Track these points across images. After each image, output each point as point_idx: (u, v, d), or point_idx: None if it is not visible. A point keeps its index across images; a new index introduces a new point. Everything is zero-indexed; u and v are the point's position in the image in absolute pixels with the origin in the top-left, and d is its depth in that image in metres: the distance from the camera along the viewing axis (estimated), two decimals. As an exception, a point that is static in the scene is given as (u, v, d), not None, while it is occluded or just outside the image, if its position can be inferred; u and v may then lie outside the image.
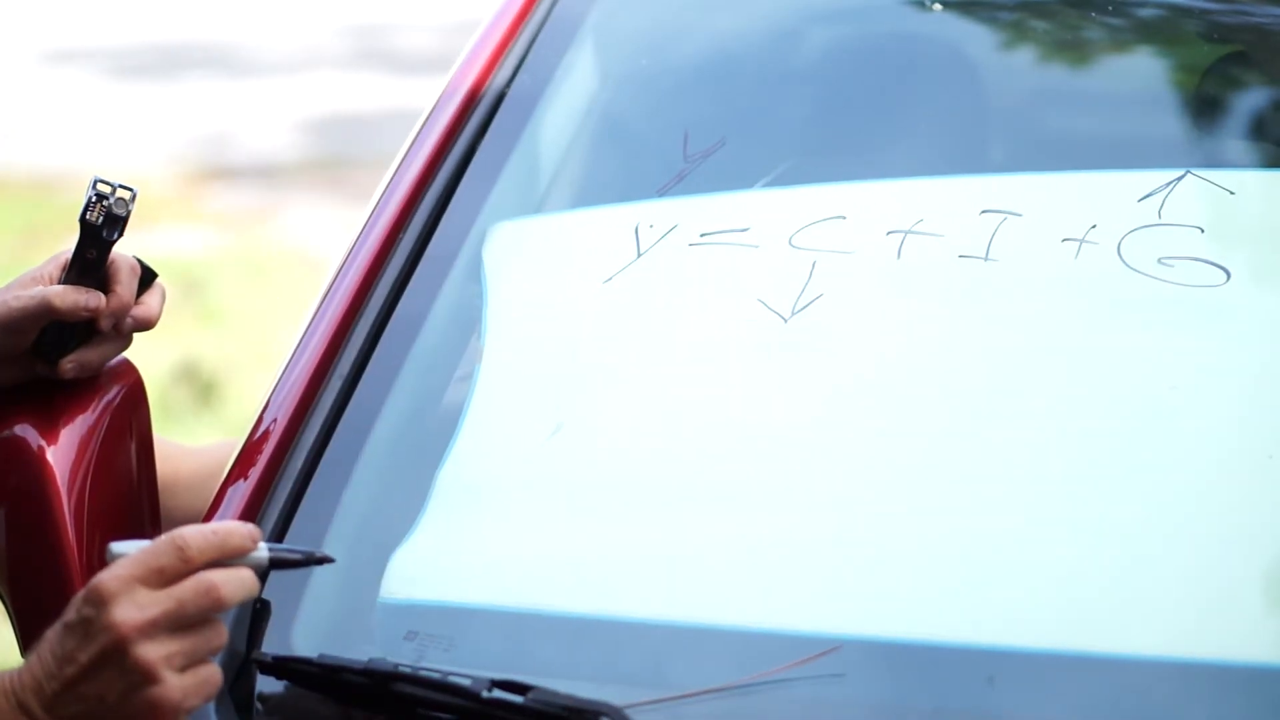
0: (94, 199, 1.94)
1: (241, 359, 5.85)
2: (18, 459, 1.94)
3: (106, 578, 1.61)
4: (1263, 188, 2.11)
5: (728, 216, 2.09)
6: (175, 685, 1.61)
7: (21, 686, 1.61)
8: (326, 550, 1.81)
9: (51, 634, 1.63)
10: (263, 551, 1.67)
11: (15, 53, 9.09)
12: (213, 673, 1.63)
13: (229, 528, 1.64)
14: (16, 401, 1.97)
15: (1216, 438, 1.81)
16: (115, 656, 1.59)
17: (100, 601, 1.60)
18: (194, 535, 1.62)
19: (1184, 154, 2.23)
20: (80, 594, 1.62)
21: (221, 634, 1.64)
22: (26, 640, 1.98)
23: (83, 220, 1.95)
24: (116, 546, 1.64)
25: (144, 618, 1.60)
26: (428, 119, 2.30)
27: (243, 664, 1.78)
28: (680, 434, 1.88)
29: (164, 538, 1.62)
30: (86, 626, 1.60)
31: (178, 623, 1.61)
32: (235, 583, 1.62)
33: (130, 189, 1.97)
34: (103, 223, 1.95)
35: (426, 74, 7.43)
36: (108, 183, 1.96)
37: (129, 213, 1.96)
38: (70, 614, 1.62)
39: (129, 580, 1.61)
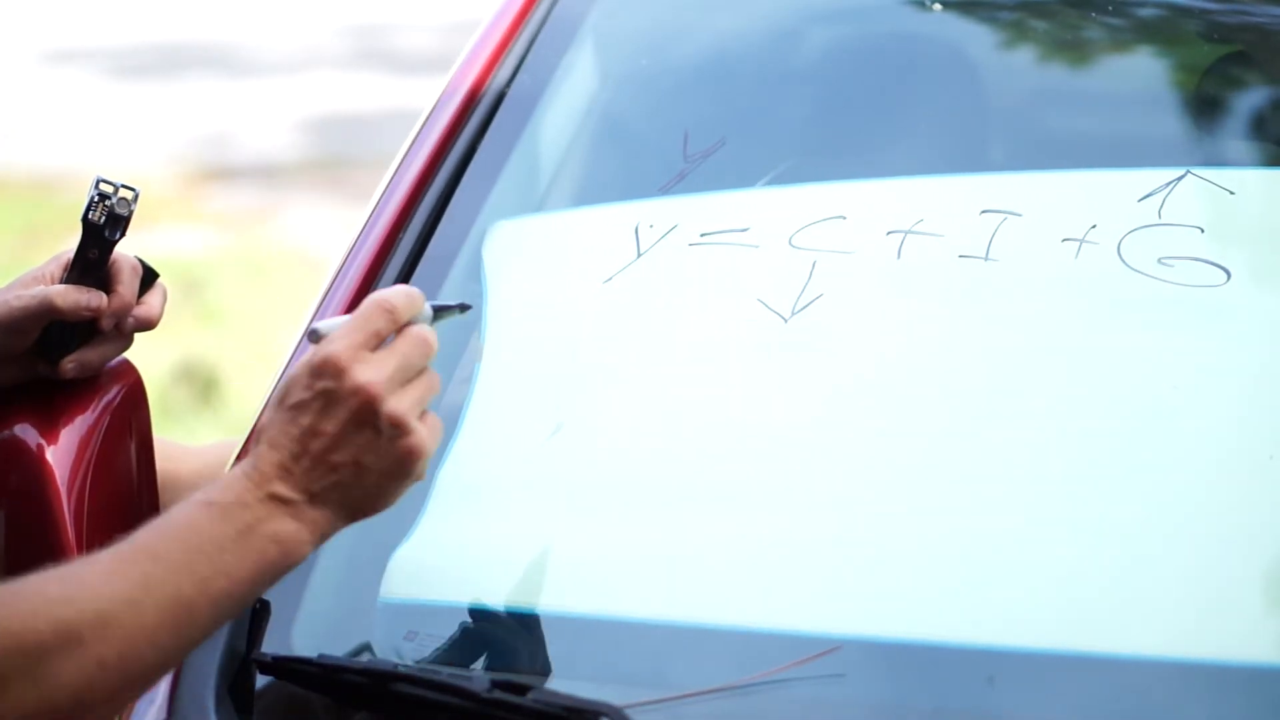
0: (96, 199, 1.95)
1: (241, 359, 5.85)
2: (18, 459, 1.95)
3: (333, 350, 1.67)
4: (1263, 187, 2.11)
5: (728, 216, 2.09)
6: (423, 432, 1.68)
7: (262, 478, 1.64)
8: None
9: (273, 423, 1.66)
10: (428, 309, 1.74)
11: (15, 53, 9.09)
12: (438, 418, 1.70)
13: (414, 289, 1.72)
14: (16, 401, 1.97)
15: (1217, 438, 1.81)
16: (368, 416, 1.66)
17: (337, 371, 1.66)
18: (395, 295, 1.70)
19: (1184, 154, 2.23)
20: (302, 372, 1.67)
21: (437, 379, 1.71)
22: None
23: (85, 220, 1.95)
24: (322, 325, 1.70)
25: (383, 376, 1.67)
26: (428, 119, 2.30)
27: (243, 664, 1.78)
28: (680, 434, 1.88)
29: (369, 303, 1.69)
30: (328, 397, 1.65)
31: (406, 376, 1.68)
32: (433, 334, 1.71)
33: (133, 189, 1.97)
34: (105, 222, 1.95)
35: (426, 74, 7.43)
36: (110, 182, 1.96)
37: (131, 213, 1.96)
38: (297, 394, 1.66)
39: (355, 347, 1.67)
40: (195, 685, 1.76)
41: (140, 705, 1.77)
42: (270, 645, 1.80)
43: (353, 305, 2.08)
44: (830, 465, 1.86)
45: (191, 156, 7.88)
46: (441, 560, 1.85)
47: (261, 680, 1.77)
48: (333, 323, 1.71)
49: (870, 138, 2.30)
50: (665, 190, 2.19)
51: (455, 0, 9.14)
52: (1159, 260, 1.95)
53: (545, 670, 1.73)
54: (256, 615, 1.82)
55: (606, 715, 1.64)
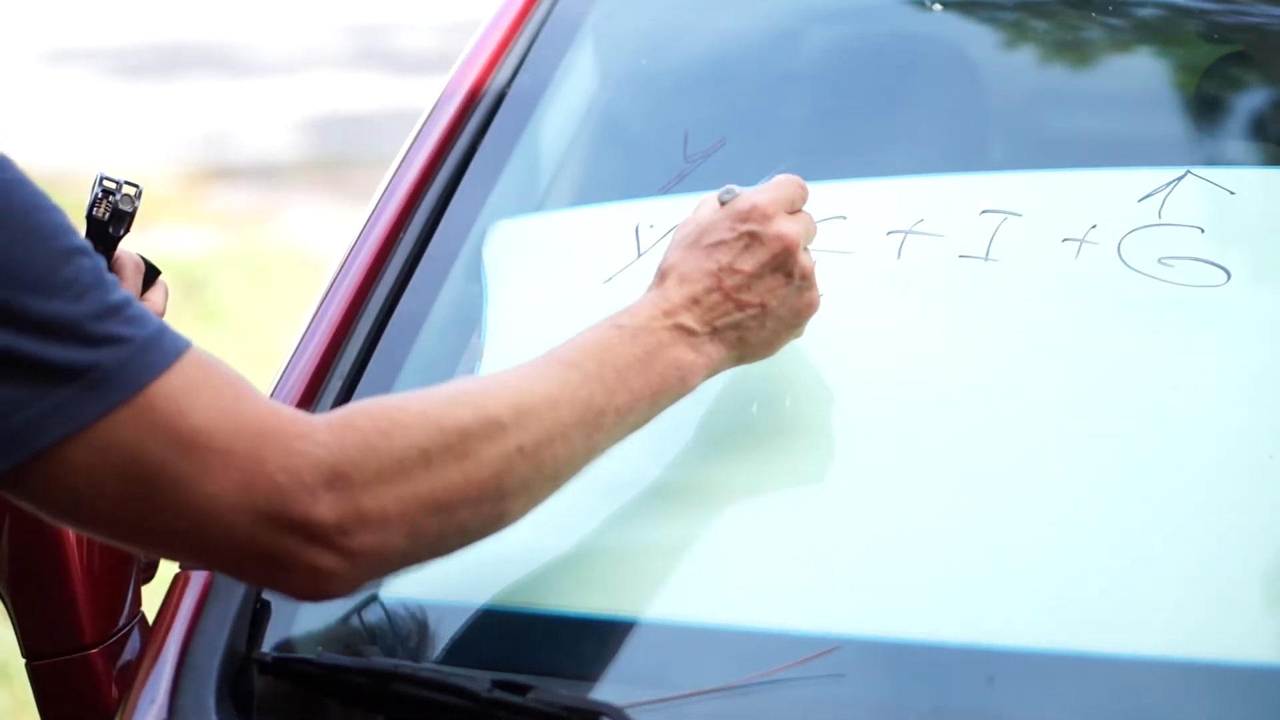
0: (100, 195, 1.94)
1: (241, 359, 5.84)
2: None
3: (760, 199, 1.82)
4: (1263, 187, 2.11)
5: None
6: (819, 291, 1.85)
7: (672, 308, 1.77)
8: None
9: (686, 260, 1.80)
10: None
11: (15, 52, 9.09)
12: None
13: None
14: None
15: (1217, 438, 1.81)
16: (785, 263, 1.81)
17: (763, 217, 1.81)
18: (799, 179, 1.86)
19: (1184, 154, 2.23)
20: (723, 216, 1.81)
21: (812, 263, 1.85)
22: (27, 640, 1.98)
23: (89, 216, 1.94)
24: (734, 188, 1.84)
25: (799, 230, 1.83)
26: (428, 119, 2.30)
27: (243, 664, 1.78)
28: (679, 434, 1.88)
29: (787, 176, 1.85)
30: (752, 239, 1.80)
31: (805, 245, 1.84)
32: None
33: (136, 185, 1.96)
34: (109, 219, 1.94)
35: (426, 74, 7.43)
36: (113, 179, 1.96)
37: (135, 209, 1.95)
38: (718, 235, 1.80)
39: (777, 203, 1.82)
40: (195, 685, 1.76)
41: (140, 705, 1.77)
42: (270, 645, 1.80)
43: (353, 305, 2.08)
44: (829, 465, 1.86)
45: (191, 156, 7.88)
46: (442, 560, 1.84)
47: (261, 680, 1.77)
48: (739, 188, 1.84)
49: (870, 137, 2.30)
50: (665, 190, 2.19)
51: (455, 0, 9.14)
52: (1159, 260, 1.95)
53: (545, 670, 1.73)
54: (257, 615, 1.82)
55: (606, 715, 1.64)
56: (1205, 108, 2.31)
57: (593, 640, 1.77)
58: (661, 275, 1.80)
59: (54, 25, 9.45)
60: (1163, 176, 2.03)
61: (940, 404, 1.88)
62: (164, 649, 1.79)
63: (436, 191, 2.21)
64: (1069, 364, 1.90)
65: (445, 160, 2.24)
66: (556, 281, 2.09)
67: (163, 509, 1.53)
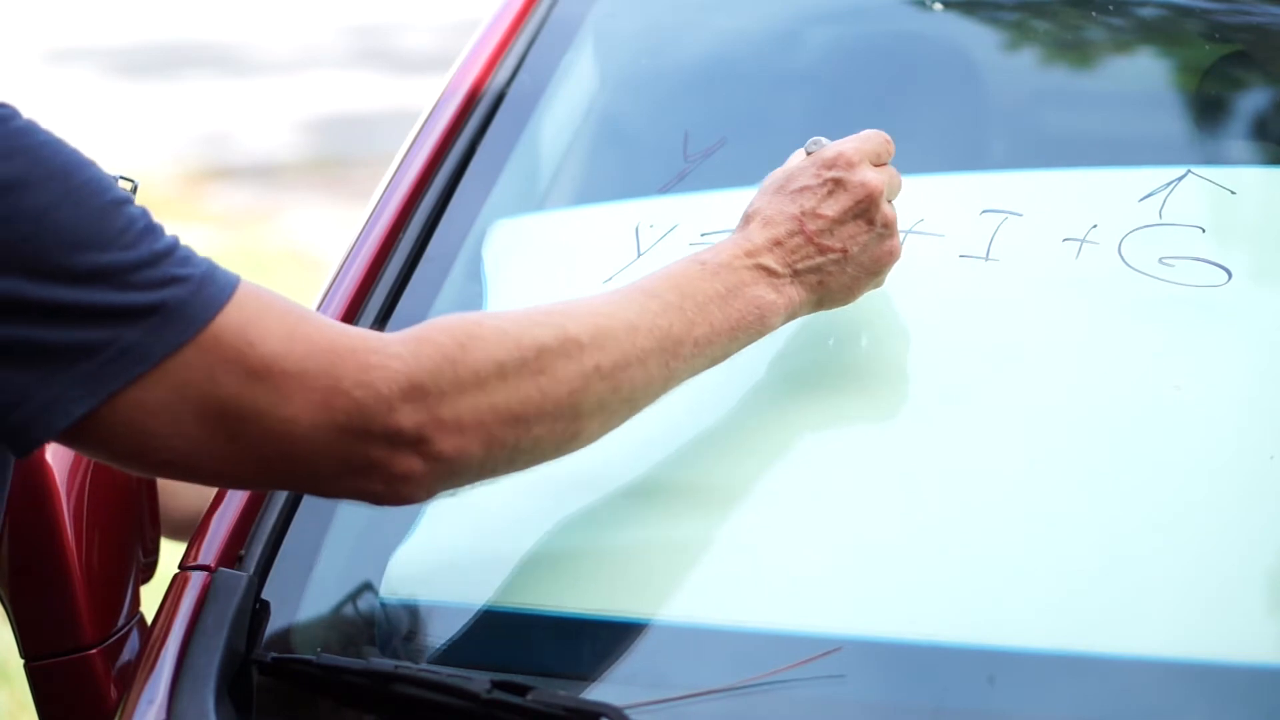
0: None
1: (241, 359, 5.83)
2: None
3: (847, 148, 1.85)
4: (1264, 187, 2.11)
5: (728, 216, 2.09)
6: (900, 240, 1.88)
7: (754, 249, 1.80)
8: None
9: (771, 204, 1.83)
10: None
11: (16, 52, 9.09)
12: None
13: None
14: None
15: (1217, 438, 1.81)
16: (868, 209, 1.83)
17: (849, 164, 1.84)
18: (886, 134, 1.89)
19: (1185, 153, 2.23)
20: (809, 163, 1.85)
21: (896, 217, 1.88)
22: (26, 640, 1.98)
23: None
24: (821, 139, 1.87)
25: (883, 179, 1.86)
26: (428, 119, 2.30)
27: (243, 664, 1.78)
28: (679, 434, 1.88)
29: (873, 131, 1.88)
30: (837, 185, 1.83)
31: (889, 197, 1.87)
32: None
33: (131, 180, 1.96)
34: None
35: (426, 74, 7.43)
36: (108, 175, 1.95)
37: None
38: (803, 180, 1.84)
39: (864, 153, 1.86)
40: (195, 685, 1.76)
41: (139, 705, 1.76)
42: (270, 645, 1.80)
43: (353, 305, 2.08)
44: (829, 466, 1.86)
45: (191, 156, 7.88)
46: (441, 560, 1.84)
47: (261, 681, 1.77)
48: (825, 139, 1.88)
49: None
50: (665, 190, 2.19)
51: (455, 0, 9.14)
52: (1160, 260, 1.95)
53: (545, 670, 1.73)
54: (257, 615, 1.82)
55: (606, 715, 1.64)
56: (1206, 107, 2.30)
57: (593, 640, 1.77)
58: (746, 219, 1.83)
59: (55, 25, 9.45)
60: (1163, 176, 2.03)
61: (940, 404, 1.88)
62: (163, 649, 1.79)
63: (436, 191, 2.20)
64: (1070, 364, 1.89)
65: (445, 160, 2.24)
66: (556, 281, 2.09)
67: (243, 438, 1.57)
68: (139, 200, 1.96)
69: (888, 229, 1.85)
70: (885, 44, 2.44)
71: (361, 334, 1.61)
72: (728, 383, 1.90)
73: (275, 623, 1.82)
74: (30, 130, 1.57)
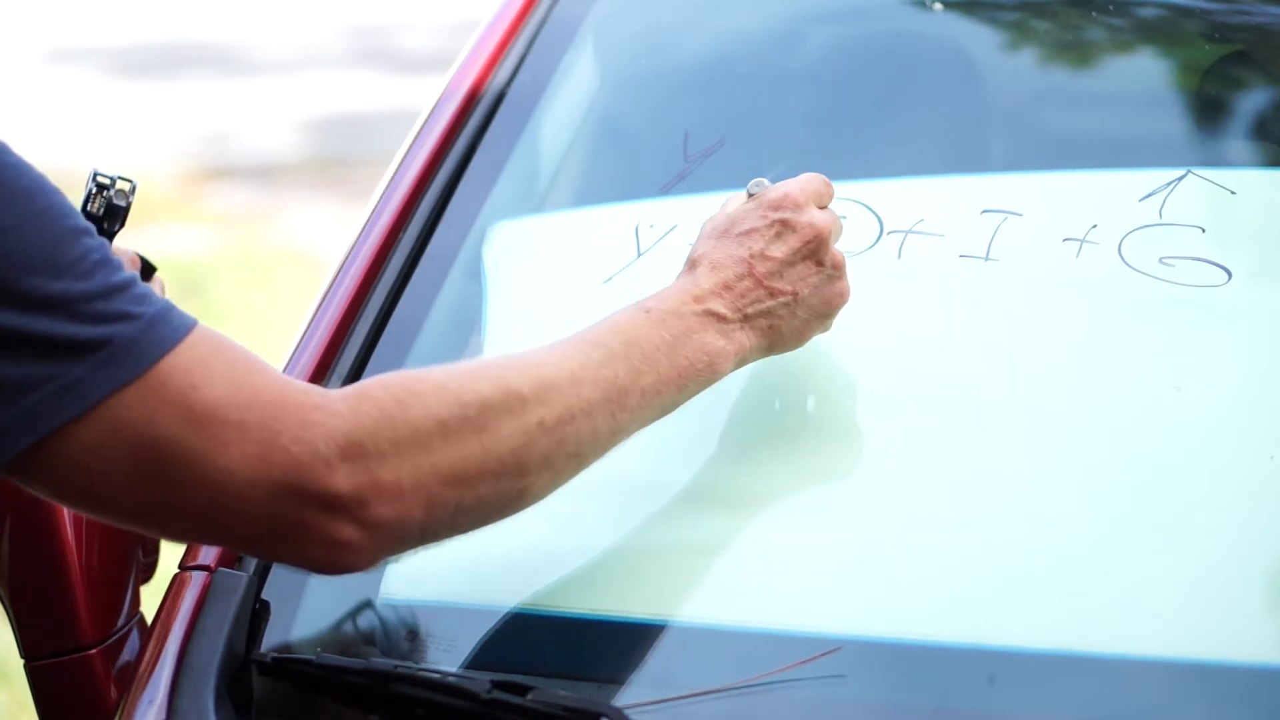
0: (94, 191, 1.94)
1: (241, 359, 5.83)
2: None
3: (792, 189, 1.83)
4: (1264, 187, 2.11)
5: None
6: (849, 282, 1.85)
7: (702, 294, 1.76)
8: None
9: (718, 248, 1.80)
10: None
11: (16, 52, 9.09)
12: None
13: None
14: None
15: (1217, 438, 1.81)
16: (817, 250, 1.81)
17: (796, 205, 1.82)
18: (823, 176, 1.87)
19: (1185, 153, 2.23)
20: (754, 205, 1.82)
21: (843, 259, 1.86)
22: (26, 641, 1.98)
23: (83, 212, 1.94)
24: (763, 180, 1.86)
25: (830, 220, 1.83)
26: (428, 119, 2.30)
27: (243, 664, 1.78)
28: (679, 434, 1.87)
29: (812, 175, 1.87)
30: (785, 225, 1.81)
31: (835, 239, 1.85)
32: None
33: (130, 180, 1.96)
34: (103, 215, 1.94)
35: (426, 74, 7.43)
36: (107, 175, 1.95)
37: (129, 204, 1.95)
38: (750, 223, 1.81)
39: (807, 194, 1.83)
40: (195, 685, 1.76)
41: (139, 706, 1.76)
42: (270, 645, 1.80)
43: (353, 305, 2.08)
44: (829, 465, 1.86)
45: (191, 156, 7.88)
46: (441, 560, 1.84)
47: (261, 681, 1.77)
48: (765, 181, 1.86)
49: (870, 137, 2.30)
50: (665, 190, 2.19)
51: (455, 0, 9.14)
52: (1160, 260, 1.95)
53: (545, 670, 1.73)
54: (257, 615, 1.82)
55: (606, 715, 1.64)
56: (1206, 108, 2.30)
57: (593, 640, 1.77)
58: (691, 264, 1.80)
59: (55, 24, 9.45)
60: (1163, 176, 2.03)
61: (940, 404, 1.88)
62: (163, 649, 1.79)
63: (436, 191, 2.20)
64: (1070, 364, 1.89)
65: (445, 160, 2.24)
66: (556, 282, 2.09)
67: (177, 485, 1.53)
68: (139, 200, 1.97)
69: (837, 270, 1.83)
70: (885, 44, 2.44)
71: (306, 389, 1.57)
72: (726, 383, 1.89)
73: (275, 623, 1.82)
74: None
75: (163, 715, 1.74)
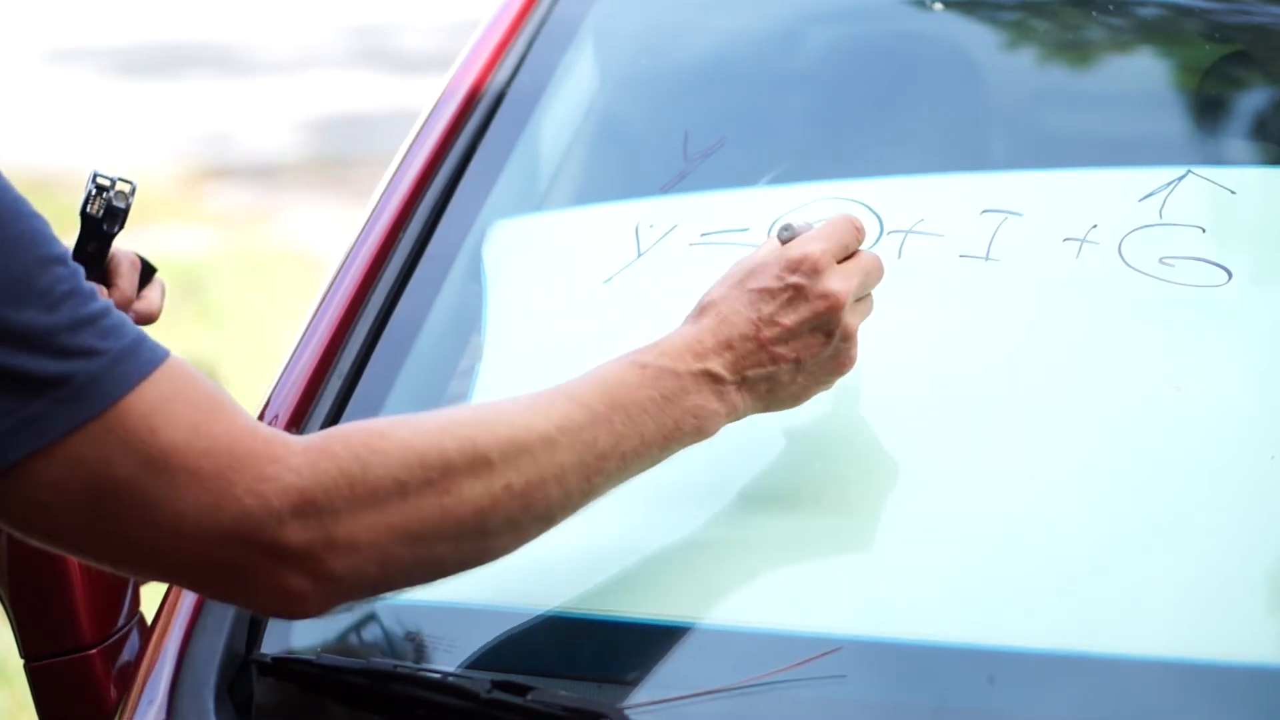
0: (94, 192, 1.94)
1: (241, 359, 5.85)
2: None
3: (813, 250, 1.75)
4: (1264, 187, 2.11)
5: (728, 216, 2.09)
6: (858, 351, 1.79)
7: (703, 350, 1.70)
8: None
9: (728, 299, 1.73)
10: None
11: (16, 52, 9.09)
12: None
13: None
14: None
15: (1218, 438, 1.81)
16: (827, 322, 1.75)
17: (813, 271, 1.74)
18: (856, 217, 1.80)
19: (1185, 153, 2.23)
20: (774, 261, 1.75)
21: (872, 306, 1.82)
22: (26, 641, 1.98)
23: (83, 214, 1.94)
24: (796, 223, 1.78)
25: (849, 288, 1.76)
26: (428, 119, 2.30)
27: (243, 664, 1.78)
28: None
29: (842, 217, 1.80)
30: (798, 292, 1.74)
31: (861, 295, 1.80)
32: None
33: (130, 182, 1.96)
34: (103, 216, 1.94)
35: (426, 74, 7.43)
36: (107, 176, 1.95)
37: (129, 206, 1.95)
38: (765, 281, 1.74)
39: (831, 254, 1.76)
40: (195, 685, 1.76)
41: (139, 706, 1.76)
42: (270, 645, 1.80)
43: (352, 305, 2.08)
44: (829, 465, 1.86)
45: (191, 156, 7.88)
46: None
47: (261, 681, 1.77)
48: (804, 224, 1.79)
49: (871, 137, 2.30)
50: (665, 190, 2.19)
51: (455, 0, 9.14)
52: (1160, 260, 1.95)
53: (545, 670, 1.73)
54: (256, 616, 1.82)
55: (606, 715, 1.64)
56: (1206, 107, 2.30)
57: (593, 640, 1.77)
58: (700, 310, 1.74)
59: (55, 25, 9.45)
60: (1164, 176, 2.03)
61: (940, 404, 1.88)
62: (163, 650, 1.79)
63: (436, 191, 2.20)
64: (1070, 364, 1.89)
65: (445, 160, 2.24)
66: (556, 281, 2.09)
67: (129, 526, 1.51)
68: (139, 200, 1.97)
69: (846, 341, 1.77)
70: (885, 44, 2.44)
71: (269, 439, 1.54)
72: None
73: (275, 623, 1.82)
74: None
75: (163, 715, 1.74)
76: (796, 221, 1.79)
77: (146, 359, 1.51)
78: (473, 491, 1.57)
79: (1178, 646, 1.68)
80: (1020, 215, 2.03)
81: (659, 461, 1.69)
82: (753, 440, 1.87)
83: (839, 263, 1.77)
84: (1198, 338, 1.89)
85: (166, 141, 8.01)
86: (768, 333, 1.72)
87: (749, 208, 2.10)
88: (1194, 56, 2.39)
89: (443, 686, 1.68)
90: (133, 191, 1.96)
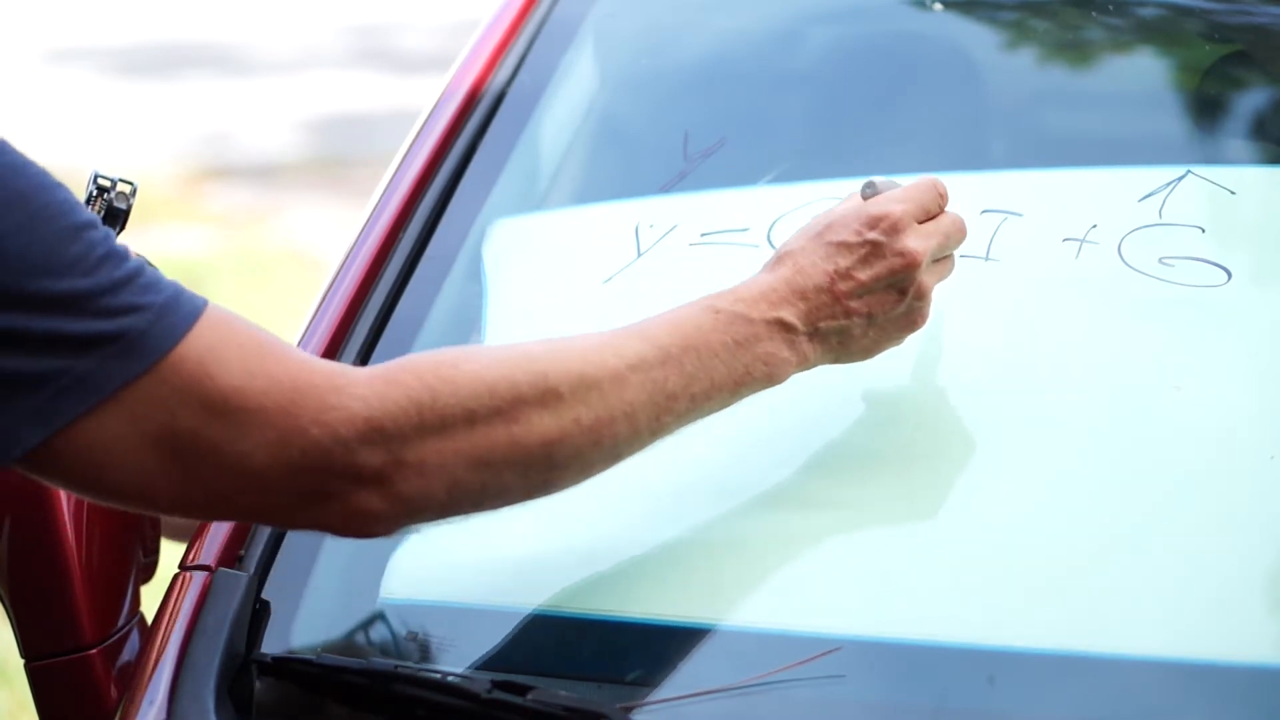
0: (94, 193, 1.93)
1: (241, 359, 5.83)
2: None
3: (894, 209, 1.77)
4: (1264, 187, 2.10)
5: (728, 216, 2.09)
6: (930, 309, 1.81)
7: (778, 299, 1.72)
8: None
9: (806, 251, 1.75)
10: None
11: (16, 51, 9.09)
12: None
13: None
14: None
15: (1217, 438, 1.81)
16: (902, 279, 1.77)
17: (892, 229, 1.76)
18: (940, 181, 1.82)
19: (1185, 153, 2.23)
20: (854, 216, 1.77)
21: (952, 267, 1.84)
22: (26, 640, 1.98)
23: None
24: (879, 181, 1.81)
25: (927, 247, 1.78)
26: (428, 119, 2.30)
27: (243, 664, 1.78)
28: (680, 434, 1.87)
29: (926, 180, 1.82)
30: (875, 249, 1.75)
31: (940, 255, 1.81)
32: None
33: (130, 182, 1.95)
34: (103, 217, 1.94)
35: (426, 74, 7.42)
36: (107, 177, 1.95)
37: (130, 206, 1.95)
38: (843, 235, 1.76)
39: (911, 214, 1.78)
40: (195, 685, 1.76)
41: (139, 706, 1.76)
42: (270, 645, 1.80)
43: (352, 305, 2.08)
44: (829, 465, 1.86)
45: (191, 156, 7.88)
46: (441, 560, 1.84)
47: (261, 681, 1.77)
48: (887, 181, 1.81)
49: (871, 137, 2.30)
50: (665, 190, 2.19)
51: (455, 0, 9.14)
52: (1160, 260, 1.95)
53: (545, 670, 1.73)
54: (257, 615, 1.82)
55: (606, 715, 1.64)
56: (1206, 107, 2.30)
57: (593, 640, 1.77)
58: (778, 259, 1.77)
59: (55, 24, 9.45)
60: (1163, 176, 2.03)
61: (940, 404, 1.88)
62: (163, 649, 1.79)
63: (436, 191, 2.20)
64: (1070, 364, 1.89)
65: (445, 160, 2.24)
66: (556, 281, 2.09)
67: (198, 471, 1.53)
68: (139, 201, 1.96)
69: (920, 300, 1.79)
70: (885, 44, 2.44)
71: (327, 371, 1.57)
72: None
73: (275, 623, 1.82)
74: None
75: (163, 715, 1.74)
76: (879, 180, 1.82)
77: (189, 310, 1.53)
78: (541, 423, 1.59)
79: (1178, 646, 1.68)
80: (1020, 215, 2.03)
81: (727, 406, 1.71)
82: (753, 440, 1.87)
83: (919, 224, 1.79)
84: (1197, 338, 1.89)
85: (166, 141, 8.01)
86: (842, 286, 1.74)
87: (749, 208, 2.10)
88: (1194, 56, 2.39)
89: (443, 686, 1.68)
90: (133, 192, 1.95)
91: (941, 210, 1.82)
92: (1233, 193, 2.03)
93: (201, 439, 1.52)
